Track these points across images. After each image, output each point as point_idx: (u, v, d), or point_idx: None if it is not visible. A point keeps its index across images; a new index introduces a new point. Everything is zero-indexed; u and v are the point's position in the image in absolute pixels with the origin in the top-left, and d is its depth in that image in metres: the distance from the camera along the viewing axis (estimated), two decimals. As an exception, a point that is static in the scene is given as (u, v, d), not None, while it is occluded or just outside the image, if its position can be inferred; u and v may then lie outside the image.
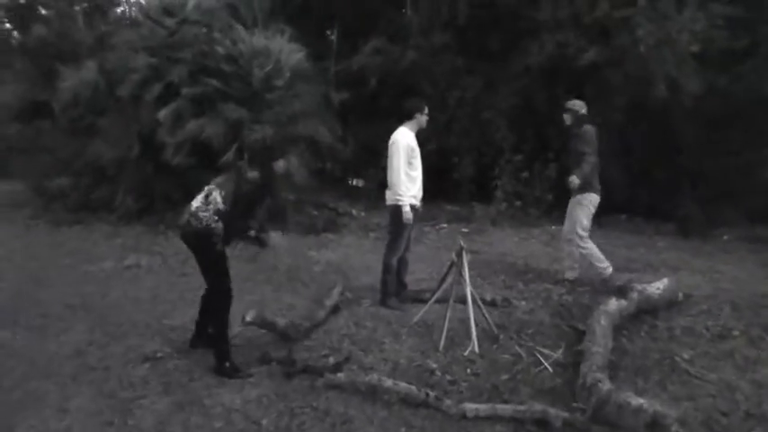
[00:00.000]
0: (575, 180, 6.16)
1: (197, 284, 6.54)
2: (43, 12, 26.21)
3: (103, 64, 10.31)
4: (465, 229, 9.81)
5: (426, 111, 5.86)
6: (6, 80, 16.70)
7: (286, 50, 9.33)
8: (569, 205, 6.46)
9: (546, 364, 4.34)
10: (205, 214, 4.34)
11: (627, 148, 10.13)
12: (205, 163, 9.10)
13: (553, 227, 9.84)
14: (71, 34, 19.05)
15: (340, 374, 4.06)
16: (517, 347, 4.64)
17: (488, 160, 10.98)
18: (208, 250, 4.43)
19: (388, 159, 5.70)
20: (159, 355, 4.67)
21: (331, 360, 4.38)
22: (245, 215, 4.72)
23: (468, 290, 4.80)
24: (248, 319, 4.53)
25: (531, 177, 10.39)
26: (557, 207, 10.47)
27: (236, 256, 8.19)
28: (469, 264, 7.29)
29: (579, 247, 6.25)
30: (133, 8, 16.92)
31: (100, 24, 16.99)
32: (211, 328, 4.59)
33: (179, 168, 9.07)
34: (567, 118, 6.47)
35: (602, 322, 4.52)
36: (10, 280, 6.97)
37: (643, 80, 8.85)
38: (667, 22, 8.71)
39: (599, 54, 9.12)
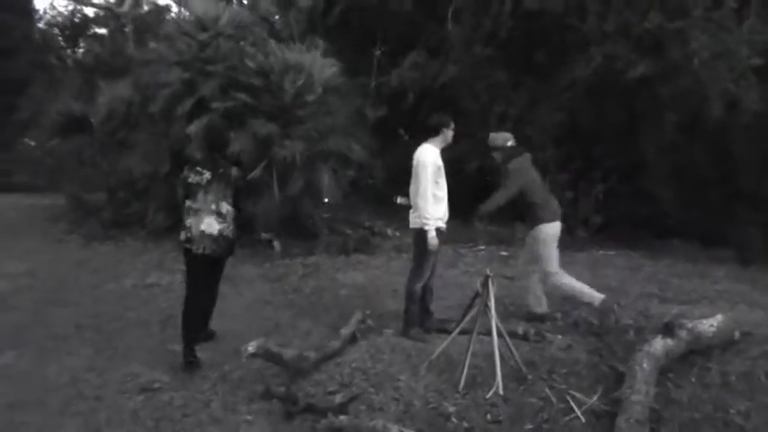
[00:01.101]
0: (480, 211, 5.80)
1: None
2: (96, 30, 27.17)
3: (139, 79, 10.26)
4: (504, 252, 9.28)
5: (452, 126, 5.41)
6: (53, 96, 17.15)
7: (319, 65, 9.05)
8: (527, 240, 6.04)
9: (578, 412, 3.80)
10: (228, 230, 4.92)
11: (679, 168, 9.44)
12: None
13: (600, 251, 9.25)
14: (122, 51, 19.52)
15: (343, 417, 3.64)
16: (547, 390, 4.12)
17: (532, 179, 10.44)
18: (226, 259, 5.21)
19: (413, 179, 5.30)
20: (156, 385, 4.36)
21: (337, 398, 3.96)
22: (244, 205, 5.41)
23: (494, 323, 4.30)
24: (250, 350, 4.16)
25: (577, 198, 9.79)
26: (604, 230, 9.90)
27: (262, 276, 7.95)
28: (505, 291, 6.94)
29: (556, 287, 5.72)
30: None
31: (149, 41, 17.30)
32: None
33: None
34: (497, 156, 5.95)
35: (645, 365, 3.95)
36: (29, 297, 6.83)
37: (698, 96, 8.19)
38: (725, 34, 8.06)
39: (650, 68, 8.49)
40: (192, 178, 4.91)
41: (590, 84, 9.50)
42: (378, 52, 11.87)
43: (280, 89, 8.81)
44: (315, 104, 9.00)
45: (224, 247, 4.95)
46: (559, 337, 5.31)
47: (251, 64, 8.92)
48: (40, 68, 23.16)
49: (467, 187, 12.11)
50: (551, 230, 5.78)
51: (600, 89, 9.62)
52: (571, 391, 4.07)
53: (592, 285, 7.18)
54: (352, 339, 5.14)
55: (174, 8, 19.32)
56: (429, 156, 5.23)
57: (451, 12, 10.74)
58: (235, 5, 12.24)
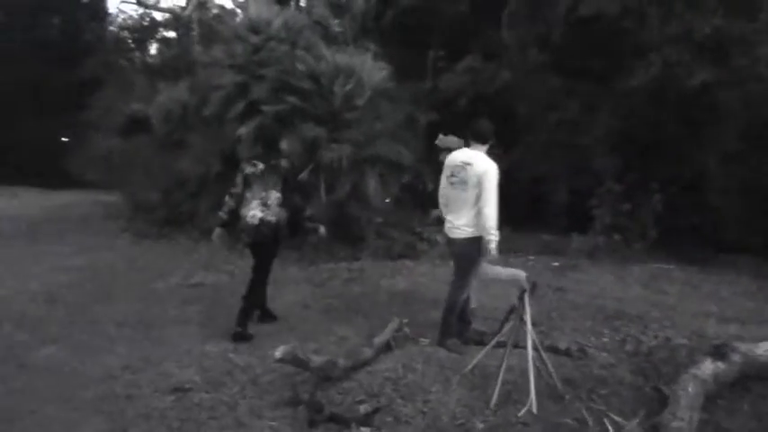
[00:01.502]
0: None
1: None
2: (164, 33, 28.03)
3: (195, 82, 10.46)
4: (556, 263, 9.01)
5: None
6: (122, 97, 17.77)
7: (369, 68, 9.00)
8: None
9: (615, 436, 3.60)
10: (271, 217, 5.39)
11: (743, 179, 8.96)
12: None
13: (656, 265, 8.88)
14: (186, 54, 20.06)
15: (366, 429, 3.54)
16: (584, 411, 3.91)
17: (586, 189, 10.12)
18: (275, 244, 5.64)
19: (468, 186, 4.94)
20: (188, 386, 4.33)
21: (362, 409, 3.86)
22: (297, 194, 5.75)
23: (529, 337, 4.12)
24: (278, 355, 4.10)
25: (633, 209, 9.43)
26: (661, 243, 9.50)
27: (306, 279, 7.93)
28: (553, 304, 6.72)
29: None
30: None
31: (213, 44, 17.73)
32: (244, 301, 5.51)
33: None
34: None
35: (691, 390, 3.70)
36: (79, 292, 7.00)
37: (764, 103, 7.76)
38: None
39: (712, 74, 8.11)
40: (249, 170, 5.47)
41: (648, 91, 9.15)
42: (431, 56, 11.78)
43: (329, 93, 8.82)
44: (363, 108, 8.95)
45: (264, 234, 5.41)
46: (604, 354, 5.08)
47: (302, 67, 8.95)
48: (111, 70, 24.09)
49: (519, 196, 11.91)
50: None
51: (659, 96, 9.25)
52: (610, 413, 3.86)
53: (647, 300, 6.97)
54: (387, 348, 5.02)
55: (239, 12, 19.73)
56: (493, 165, 4.94)
57: (506, 15, 10.55)
58: (291, 10, 12.34)
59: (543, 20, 10.14)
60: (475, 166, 4.92)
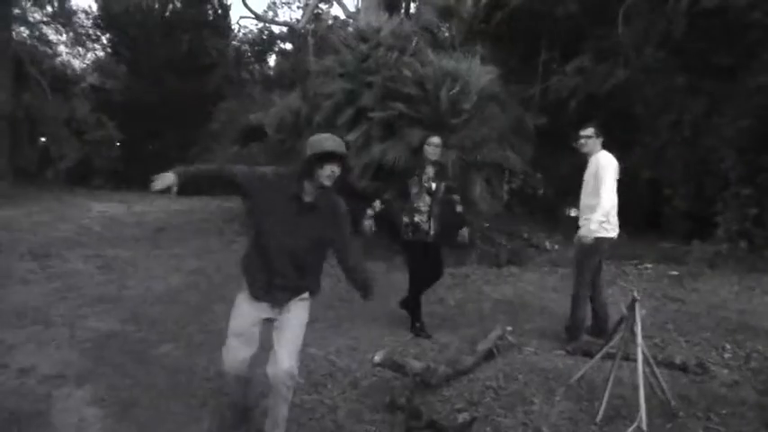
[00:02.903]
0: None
1: (354, 311, 6.48)
2: (282, 46, 29.21)
3: (306, 90, 10.76)
4: (674, 272, 8.49)
5: None
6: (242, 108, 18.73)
7: (476, 72, 8.89)
8: None
9: (734, 460, 3.33)
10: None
11: None
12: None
13: (790, 275, 8.15)
14: (302, 65, 20.82)
15: (463, 438, 3.49)
16: (700, 431, 3.65)
17: (709, 193, 9.48)
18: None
19: (593, 183, 5.24)
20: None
21: (460, 418, 3.80)
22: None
23: (640, 350, 3.89)
24: (377, 359, 4.13)
25: (763, 214, 8.72)
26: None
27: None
28: (669, 315, 6.34)
29: None
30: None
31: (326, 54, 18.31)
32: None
33: (365, 193, 9.05)
34: None
35: (824, 415, 3.37)
36: (195, 293, 7.36)
37: None
38: None
39: None
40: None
41: (781, 87, 8.43)
42: (541, 58, 11.49)
43: (436, 98, 8.78)
44: (470, 113, 8.84)
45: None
46: (725, 370, 4.74)
47: (408, 73, 8.99)
48: (232, 82, 25.49)
49: (638, 199, 11.35)
50: None
51: (793, 92, 8.50)
52: (729, 436, 3.58)
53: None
54: (489, 356, 4.94)
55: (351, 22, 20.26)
56: (612, 160, 5.26)
57: (623, 12, 10.08)
58: (400, 17, 12.47)
59: (663, 14, 9.58)
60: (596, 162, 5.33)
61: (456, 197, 5.88)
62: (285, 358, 3.24)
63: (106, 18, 24.03)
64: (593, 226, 5.10)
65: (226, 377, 3.40)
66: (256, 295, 3.33)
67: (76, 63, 25.95)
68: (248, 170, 3.22)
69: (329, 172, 3.13)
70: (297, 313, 3.41)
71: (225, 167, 3.28)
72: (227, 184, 3.22)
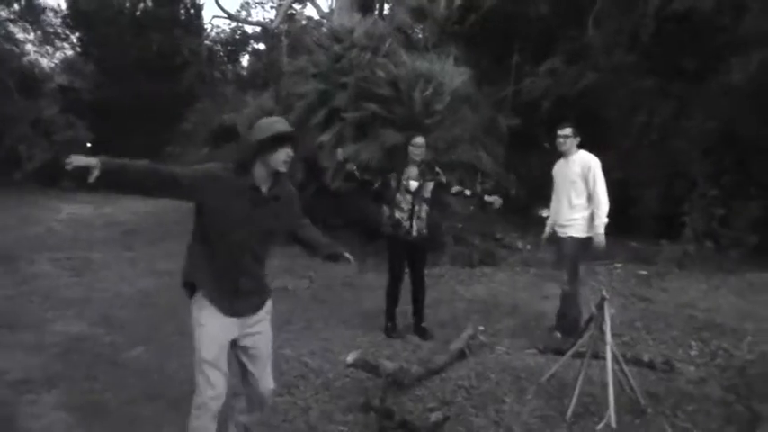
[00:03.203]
0: None
1: (328, 312, 6.47)
2: (255, 45, 29.01)
3: (279, 90, 10.73)
4: (643, 272, 8.62)
5: None
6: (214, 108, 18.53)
7: (449, 74, 8.94)
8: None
9: (700, 456, 3.40)
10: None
11: None
12: (362, 189, 9.03)
13: (755, 275, 8.31)
14: (275, 65, 20.71)
15: (435, 437, 3.51)
16: (668, 427, 3.72)
17: (678, 194, 9.64)
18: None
19: (582, 184, 5.37)
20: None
21: (433, 417, 3.82)
22: None
23: (608, 348, 3.95)
24: (350, 360, 4.13)
25: (729, 215, 8.90)
26: (761, 251, 8.91)
27: (383, 286, 7.89)
28: (637, 314, 6.43)
29: None
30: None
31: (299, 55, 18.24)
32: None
33: (338, 193, 9.05)
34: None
35: (786, 409, 3.45)
36: (166, 295, 7.23)
37: None
38: None
39: (820, 69, 7.55)
40: None
41: (747, 89, 8.60)
42: (514, 60, 11.59)
43: (409, 99, 8.81)
44: (443, 114, 8.89)
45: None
46: (692, 368, 4.84)
47: (381, 74, 9.01)
48: (204, 82, 25.23)
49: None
50: None
51: (759, 95, 8.67)
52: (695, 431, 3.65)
53: (743, 312, 6.55)
54: (461, 355, 4.97)
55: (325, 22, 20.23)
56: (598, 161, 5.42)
57: (593, 15, 10.22)
58: (373, 18, 12.48)
59: (632, 18, 9.73)
60: (582, 164, 5.50)
61: (456, 188, 5.85)
62: (269, 379, 3.17)
63: (75, 16, 23.62)
64: (602, 229, 5.28)
65: (204, 415, 2.96)
66: (222, 308, 2.98)
67: (44, 62, 25.45)
68: (190, 170, 2.86)
69: (285, 156, 2.87)
70: (267, 333, 3.18)
71: (161, 166, 2.86)
72: (165, 185, 2.80)
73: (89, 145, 21.52)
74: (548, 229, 5.85)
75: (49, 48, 25.08)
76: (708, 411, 3.94)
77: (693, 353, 5.19)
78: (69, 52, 25.36)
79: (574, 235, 5.39)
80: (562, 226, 5.50)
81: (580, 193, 5.36)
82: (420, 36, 11.83)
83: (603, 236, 5.28)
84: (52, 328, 5.75)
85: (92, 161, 2.53)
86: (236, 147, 12.39)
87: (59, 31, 24.51)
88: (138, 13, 23.59)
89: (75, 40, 24.66)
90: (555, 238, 5.70)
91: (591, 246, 5.36)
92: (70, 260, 8.87)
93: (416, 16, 12.01)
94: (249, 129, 3.16)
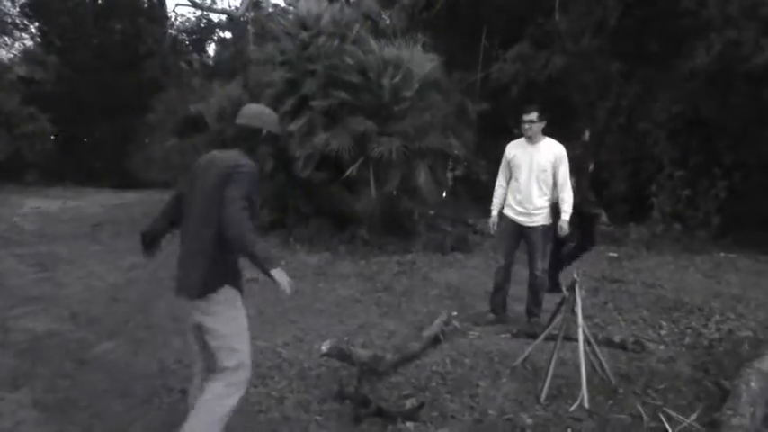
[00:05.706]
0: None
1: (303, 303, 6.42)
2: (221, 34, 28.59)
3: (247, 79, 10.58)
4: (614, 254, 8.75)
5: None
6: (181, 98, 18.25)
7: (417, 60, 8.91)
8: None
9: (672, 432, 3.45)
10: None
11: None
12: (334, 177, 8.98)
13: (721, 254, 8.51)
14: (242, 53, 20.42)
15: (411, 424, 3.50)
16: (639, 406, 3.76)
17: (645, 176, 9.79)
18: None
19: (551, 172, 5.35)
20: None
21: (408, 403, 3.82)
22: None
23: (580, 330, 3.98)
24: (324, 349, 4.09)
25: (695, 196, 9.06)
26: (726, 231, 9.12)
27: (357, 273, 7.92)
28: (609, 295, 6.52)
29: None
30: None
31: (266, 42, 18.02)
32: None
33: (309, 182, 8.99)
34: None
35: (753, 384, 3.52)
36: (135, 290, 7.16)
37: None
38: None
39: (780, 51, 7.68)
40: None
41: (711, 72, 8.73)
42: (482, 45, 11.59)
43: (378, 86, 8.78)
44: (412, 100, 8.87)
45: None
46: (662, 347, 4.91)
47: (350, 61, 8.93)
48: (170, 72, 24.81)
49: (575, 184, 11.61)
50: None
51: (722, 78, 8.81)
52: (666, 409, 3.70)
53: (709, 290, 6.68)
54: (435, 341, 4.98)
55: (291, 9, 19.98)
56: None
57: (559, 0, 10.26)
58: (339, 4, 12.37)
59: (598, 3, 9.79)
60: (554, 153, 5.43)
61: None
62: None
63: (34, 6, 22.99)
64: (567, 216, 5.31)
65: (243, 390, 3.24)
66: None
67: (3, 53, 24.79)
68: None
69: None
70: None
71: None
72: None
73: (53, 137, 21.10)
74: (495, 212, 5.64)
75: (6, 38, 24.44)
76: (678, 389, 4.00)
77: (663, 332, 5.26)
78: (29, 43, 24.74)
79: (545, 223, 5.39)
80: (529, 215, 5.37)
81: (549, 181, 5.36)
82: (388, 23, 11.76)
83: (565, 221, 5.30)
84: (18, 325, 5.60)
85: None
86: (203, 137, 12.26)
87: (17, 21, 23.88)
88: (99, 1, 23.01)
89: (34, 31, 24.02)
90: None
91: (553, 232, 5.41)
92: (35, 255, 8.67)
93: (384, 3, 11.96)
94: (252, 116, 3.24)
